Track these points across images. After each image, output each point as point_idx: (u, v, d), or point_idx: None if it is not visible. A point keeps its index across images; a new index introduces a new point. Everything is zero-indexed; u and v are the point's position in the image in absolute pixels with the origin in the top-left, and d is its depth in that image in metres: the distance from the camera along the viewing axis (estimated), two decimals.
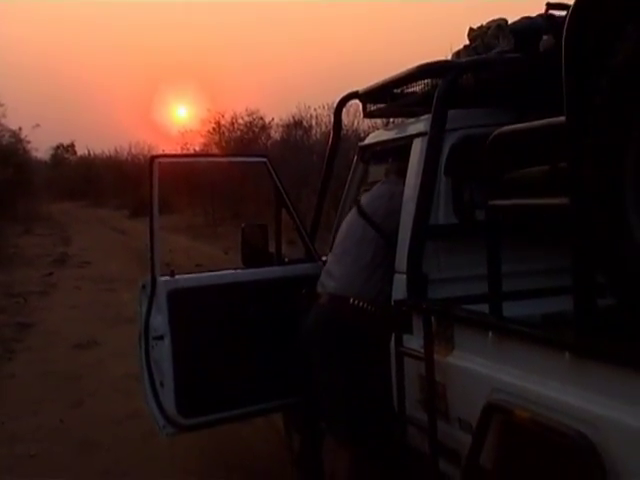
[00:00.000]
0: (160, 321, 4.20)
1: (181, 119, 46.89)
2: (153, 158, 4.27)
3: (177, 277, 4.34)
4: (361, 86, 4.51)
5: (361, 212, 4.08)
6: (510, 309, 3.12)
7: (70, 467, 5.33)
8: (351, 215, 4.21)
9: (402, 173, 3.96)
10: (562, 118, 2.50)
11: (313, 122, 24.43)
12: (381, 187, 4.20)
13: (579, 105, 2.43)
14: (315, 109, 24.05)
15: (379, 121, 13.41)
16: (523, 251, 3.64)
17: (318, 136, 23.61)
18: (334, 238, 4.38)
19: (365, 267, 3.92)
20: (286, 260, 4.78)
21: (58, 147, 58.73)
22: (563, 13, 3.38)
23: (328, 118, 21.92)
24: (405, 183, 3.84)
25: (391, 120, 6.53)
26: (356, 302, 3.88)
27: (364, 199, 4.19)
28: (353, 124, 19.92)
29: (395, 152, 4.23)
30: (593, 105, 2.36)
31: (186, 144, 29.41)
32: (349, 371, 3.89)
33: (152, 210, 4.19)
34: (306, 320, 4.08)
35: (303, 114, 25.05)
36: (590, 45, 2.41)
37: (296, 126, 25.49)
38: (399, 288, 3.63)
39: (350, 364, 3.88)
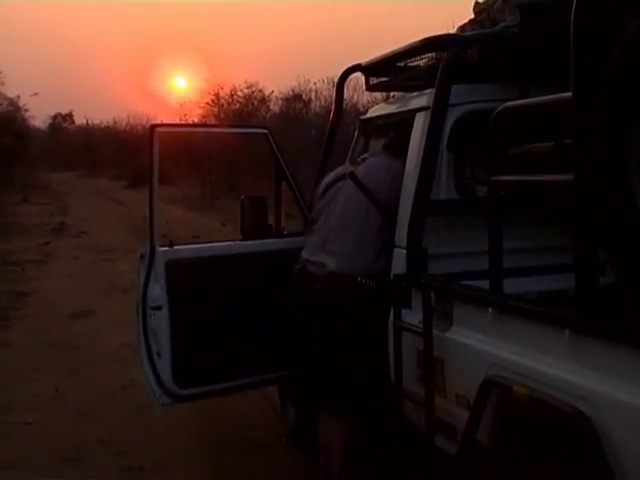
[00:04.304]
0: (158, 291, 4.19)
1: (180, 90, 46.52)
2: (153, 127, 4.25)
3: (176, 247, 4.33)
4: (361, 59, 4.48)
5: (361, 187, 3.93)
6: (510, 286, 3.11)
7: (65, 435, 5.33)
8: (348, 189, 4.01)
9: (397, 149, 3.92)
10: (569, 94, 2.48)
11: (312, 95, 24.45)
12: (378, 161, 4.09)
13: (587, 81, 2.40)
14: (315, 82, 24.07)
15: (379, 96, 13.36)
16: (524, 228, 3.62)
17: (317, 109, 23.63)
18: (319, 212, 4.23)
19: (372, 245, 3.84)
20: (285, 233, 4.77)
21: (56, 116, 58.27)
22: None
23: (327, 92, 21.93)
24: (399, 158, 3.82)
25: (391, 94, 6.46)
26: (364, 280, 3.80)
27: (361, 173, 4.01)
28: (353, 98, 19.89)
29: (396, 126, 4.18)
30: (601, 81, 2.33)
31: (185, 115, 29.19)
32: (353, 348, 3.82)
33: (152, 179, 4.16)
34: (298, 299, 4.02)
35: (303, 87, 25.06)
36: (600, 19, 2.38)
37: (295, 99, 25.45)
38: (399, 263, 3.62)
39: (354, 341, 3.81)
